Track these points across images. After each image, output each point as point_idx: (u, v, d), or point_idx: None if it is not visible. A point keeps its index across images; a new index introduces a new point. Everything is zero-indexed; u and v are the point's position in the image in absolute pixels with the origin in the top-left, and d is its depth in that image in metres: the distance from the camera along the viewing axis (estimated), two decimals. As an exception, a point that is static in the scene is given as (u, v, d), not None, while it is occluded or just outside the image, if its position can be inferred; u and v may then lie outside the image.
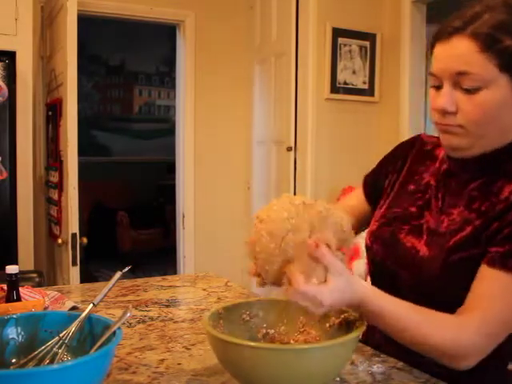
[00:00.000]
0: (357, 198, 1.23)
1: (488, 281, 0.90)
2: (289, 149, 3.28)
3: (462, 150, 0.97)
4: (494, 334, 0.89)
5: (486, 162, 0.97)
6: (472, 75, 0.89)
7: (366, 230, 1.17)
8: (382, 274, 1.08)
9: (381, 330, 1.09)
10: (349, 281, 0.84)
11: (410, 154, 1.14)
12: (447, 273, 0.95)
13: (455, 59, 0.91)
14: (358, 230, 1.20)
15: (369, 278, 1.16)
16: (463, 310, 0.90)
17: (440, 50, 0.94)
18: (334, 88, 3.30)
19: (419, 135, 1.18)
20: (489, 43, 0.88)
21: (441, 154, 1.08)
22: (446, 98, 0.93)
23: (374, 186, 1.19)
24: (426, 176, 1.08)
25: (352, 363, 0.94)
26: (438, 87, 0.95)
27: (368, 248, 1.12)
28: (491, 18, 0.89)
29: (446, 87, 0.93)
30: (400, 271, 1.02)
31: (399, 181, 1.13)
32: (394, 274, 1.04)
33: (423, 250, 0.99)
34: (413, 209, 1.06)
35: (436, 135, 1.10)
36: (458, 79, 0.91)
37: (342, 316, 0.90)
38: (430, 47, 0.99)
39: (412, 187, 1.09)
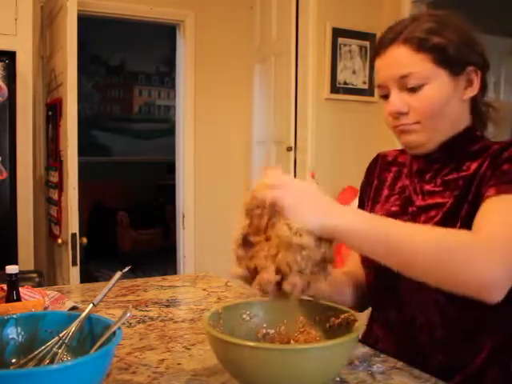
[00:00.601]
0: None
1: (486, 209, 0.90)
2: (289, 149, 3.28)
3: (421, 146, 1.04)
4: (502, 234, 0.83)
5: (447, 150, 1.04)
6: (413, 74, 0.99)
7: None
8: (379, 276, 1.08)
9: (379, 325, 1.09)
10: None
11: (376, 168, 1.22)
12: None
13: (395, 65, 1.01)
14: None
15: None
16: None
17: (380, 62, 1.05)
18: (334, 88, 3.30)
19: (378, 153, 1.27)
20: (420, 44, 0.99)
21: (404, 159, 1.16)
22: (396, 100, 1.02)
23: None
24: (398, 182, 1.15)
25: (352, 363, 0.94)
26: (386, 96, 1.04)
27: (362, 260, 1.13)
28: (419, 25, 1.01)
29: (394, 92, 1.02)
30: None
31: (373, 189, 1.20)
32: (392, 275, 1.04)
33: None
34: (394, 208, 1.11)
35: (395, 149, 1.21)
36: (403, 82, 1.00)
37: (342, 316, 0.90)
38: (371, 65, 1.07)
39: (386, 192, 1.15)
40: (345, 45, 3.32)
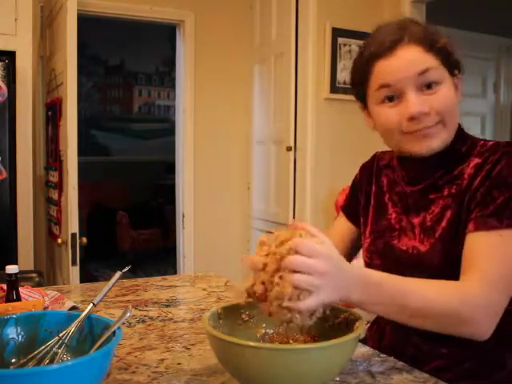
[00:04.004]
0: (342, 226, 1.27)
1: (477, 244, 0.92)
2: (289, 149, 3.28)
3: (437, 149, 1.01)
4: (499, 289, 0.89)
5: (441, 154, 1.03)
6: (432, 70, 0.98)
7: (361, 250, 1.23)
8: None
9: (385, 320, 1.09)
10: (337, 261, 0.81)
11: (373, 172, 1.22)
12: (448, 262, 0.97)
13: (411, 63, 0.98)
14: (353, 253, 1.26)
15: None
16: (461, 274, 0.92)
17: (387, 64, 1.00)
18: (334, 88, 3.30)
19: (376, 153, 1.26)
20: (430, 43, 0.99)
21: (397, 163, 1.14)
22: (418, 101, 0.98)
23: (353, 208, 1.25)
24: (396, 186, 1.14)
25: (351, 363, 0.94)
26: (391, 98, 1.00)
27: (368, 264, 1.15)
28: (416, 28, 1.00)
29: (412, 92, 0.98)
30: (405, 275, 1.03)
31: (373, 196, 1.19)
32: (394, 270, 1.05)
33: (420, 247, 1.03)
34: (394, 215, 1.11)
35: (388, 150, 1.18)
36: (420, 81, 0.98)
37: (342, 316, 0.90)
38: (365, 68, 1.03)
39: (386, 198, 1.15)
40: (344, 45, 3.32)
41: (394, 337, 1.06)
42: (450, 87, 1.00)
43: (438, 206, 1.03)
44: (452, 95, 1.00)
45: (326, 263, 0.77)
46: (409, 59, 0.98)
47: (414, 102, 0.97)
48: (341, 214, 1.29)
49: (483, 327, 0.88)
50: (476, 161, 1.00)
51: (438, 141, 1.00)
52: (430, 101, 0.98)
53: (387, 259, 1.09)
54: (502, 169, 0.95)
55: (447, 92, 0.99)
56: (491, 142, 1.02)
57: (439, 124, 0.99)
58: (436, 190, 1.04)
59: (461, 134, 1.05)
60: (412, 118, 0.98)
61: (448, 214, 1.00)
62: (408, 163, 1.08)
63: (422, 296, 0.87)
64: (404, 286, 0.87)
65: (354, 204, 1.24)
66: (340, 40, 3.30)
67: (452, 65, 1.02)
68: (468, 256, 0.93)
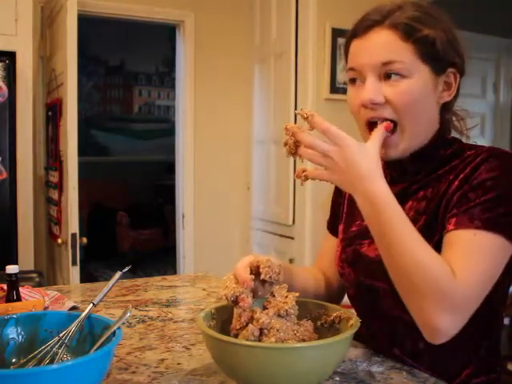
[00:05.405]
0: (329, 244, 1.21)
1: (453, 242, 0.88)
2: (289, 149, 3.28)
3: (395, 157, 0.98)
4: (476, 289, 0.85)
5: (420, 159, 0.99)
6: (396, 63, 0.91)
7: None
8: (362, 293, 1.05)
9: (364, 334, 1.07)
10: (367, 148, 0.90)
11: None
12: None
13: (378, 50, 0.93)
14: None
15: None
16: None
17: (358, 44, 0.96)
18: (334, 88, 3.30)
19: None
20: (409, 32, 0.91)
21: None
22: (372, 88, 0.93)
23: (335, 224, 1.20)
24: None
25: (351, 363, 0.94)
26: (354, 80, 0.98)
27: (341, 274, 1.11)
28: (404, 13, 0.93)
29: (371, 79, 0.94)
30: (375, 283, 1.00)
31: (346, 203, 1.15)
32: (372, 288, 1.01)
33: None
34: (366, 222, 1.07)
35: None
36: (383, 70, 0.93)
37: (334, 314, 0.90)
38: (345, 46, 1.01)
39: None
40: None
41: (375, 348, 1.02)
42: (420, 84, 0.92)
43: (412, 209, 0.98)
44: (417, 93, 0.92)
45: (342, 155, 0.93)
46: (378, 45, 0.93)
47: (369, 88, 0.94)
48: (327, 239, 1.23)
49: (454, 317, 0.82)
50: (458, 166, 0.95)
51: (394, 150, 0.96)
52: (388, 93, 0.93)
53: (356, 267, 1.04)
54: (481, 174, 0.90)
55: (410, 87, 0.91)
56: (475, 148, 0.97)
57: (395, 134, 0.94)
58: (412, 192, 1.00)
59: (442, 139, 1.00)
60: (364, 106, 0.97)
61: (421, 220, 0.96)
62: (390, 163, 1.03)
63: (413, 251, 0.84)
64: (403, 232, 0.84)
65: (336, 219, 1.20)
66: (340, 40, 3.29)
67: (437, 60, 0.93)
68: (446, 252, 0.88)
